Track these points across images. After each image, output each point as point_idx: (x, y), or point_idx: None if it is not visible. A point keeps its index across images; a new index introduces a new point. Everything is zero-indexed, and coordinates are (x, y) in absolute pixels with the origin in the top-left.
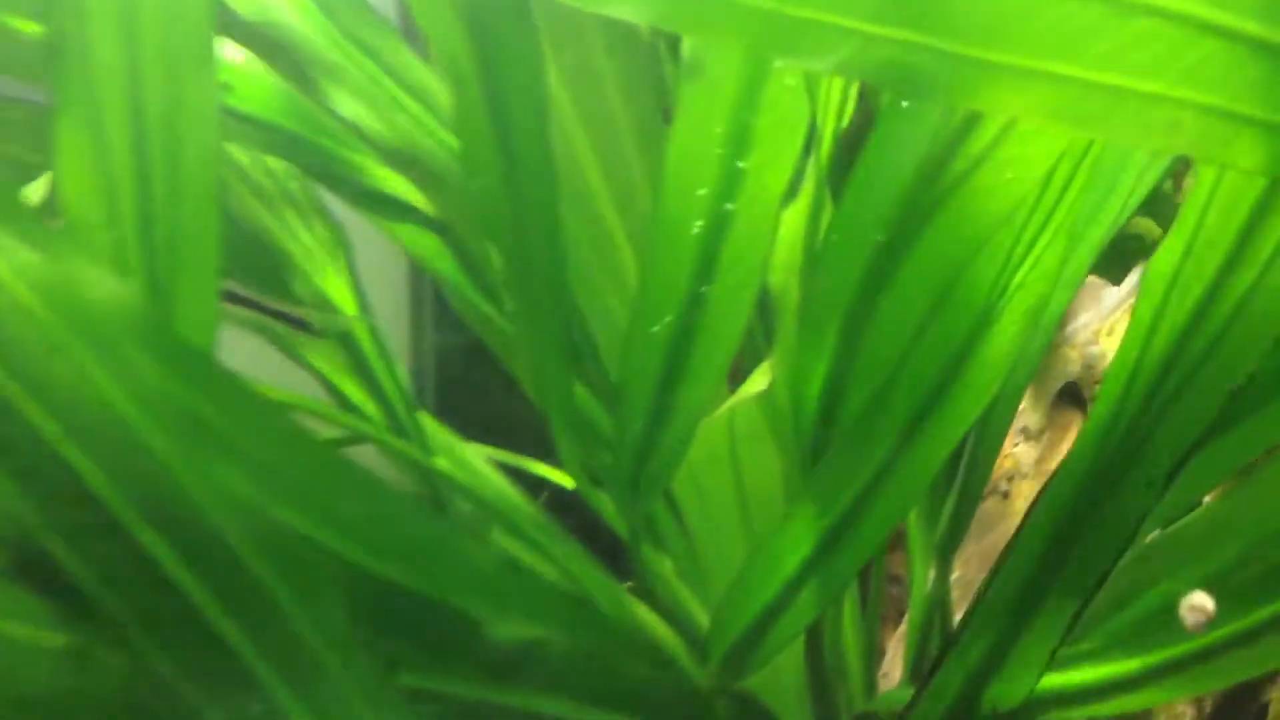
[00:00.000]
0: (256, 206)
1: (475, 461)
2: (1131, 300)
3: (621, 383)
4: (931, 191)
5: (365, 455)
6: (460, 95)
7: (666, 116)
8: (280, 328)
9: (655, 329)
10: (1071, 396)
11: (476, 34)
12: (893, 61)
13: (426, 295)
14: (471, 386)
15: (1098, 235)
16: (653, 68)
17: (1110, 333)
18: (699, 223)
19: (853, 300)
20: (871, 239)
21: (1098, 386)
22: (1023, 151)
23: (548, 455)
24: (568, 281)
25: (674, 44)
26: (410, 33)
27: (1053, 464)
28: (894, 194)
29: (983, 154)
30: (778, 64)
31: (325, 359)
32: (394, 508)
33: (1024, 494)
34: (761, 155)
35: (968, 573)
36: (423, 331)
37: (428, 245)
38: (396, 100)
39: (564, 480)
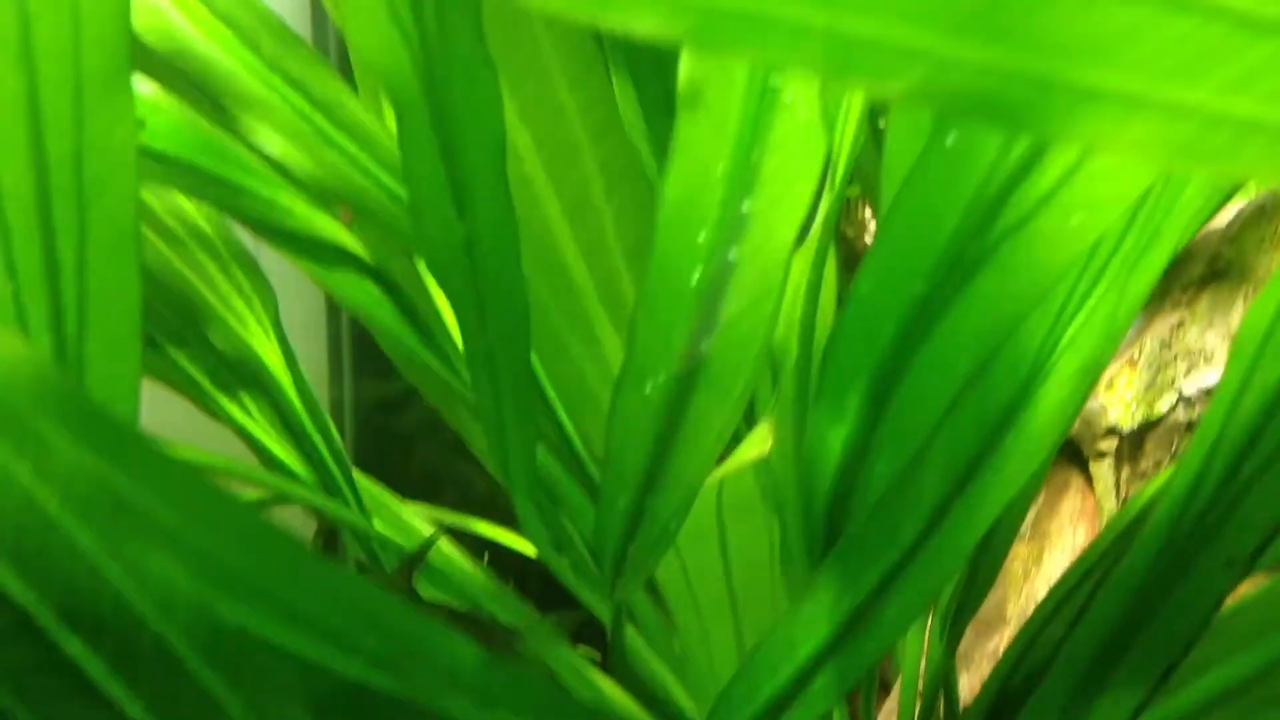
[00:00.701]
0: (165, 249)
1: (415, 523)
2: (1132, 352)
3: (608, 449)
4: (983, 238)
5: (292, 517)
6: (405, 127)
7: (634, 156)
8: (201, 381)
9: (648, 390)
10: (1071, 453)
11: (424, 59)
12: (973, 87)
13: (345, 339)
14: (395, 437)
15: (1144, 283)
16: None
17: (1110, 385)
18: (698, 272)
19: (884, 359)
20: (909, 290)
21: (1100, 443)
22: (1094, 193)
23: (482, 509)
24: (530, 339)
25: (643, 76)
26: (345, 69)
27: (1050, 525)
28: (938, 240)
29: (1047, 196)
30: (788, 96)
31: (248, 415)
32: (362, 600)
33: (1020, 556)
34: (769, 197)
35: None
36: (341, 378)
37: (363, 293)
38: (326, 136)
39: (508, 539)
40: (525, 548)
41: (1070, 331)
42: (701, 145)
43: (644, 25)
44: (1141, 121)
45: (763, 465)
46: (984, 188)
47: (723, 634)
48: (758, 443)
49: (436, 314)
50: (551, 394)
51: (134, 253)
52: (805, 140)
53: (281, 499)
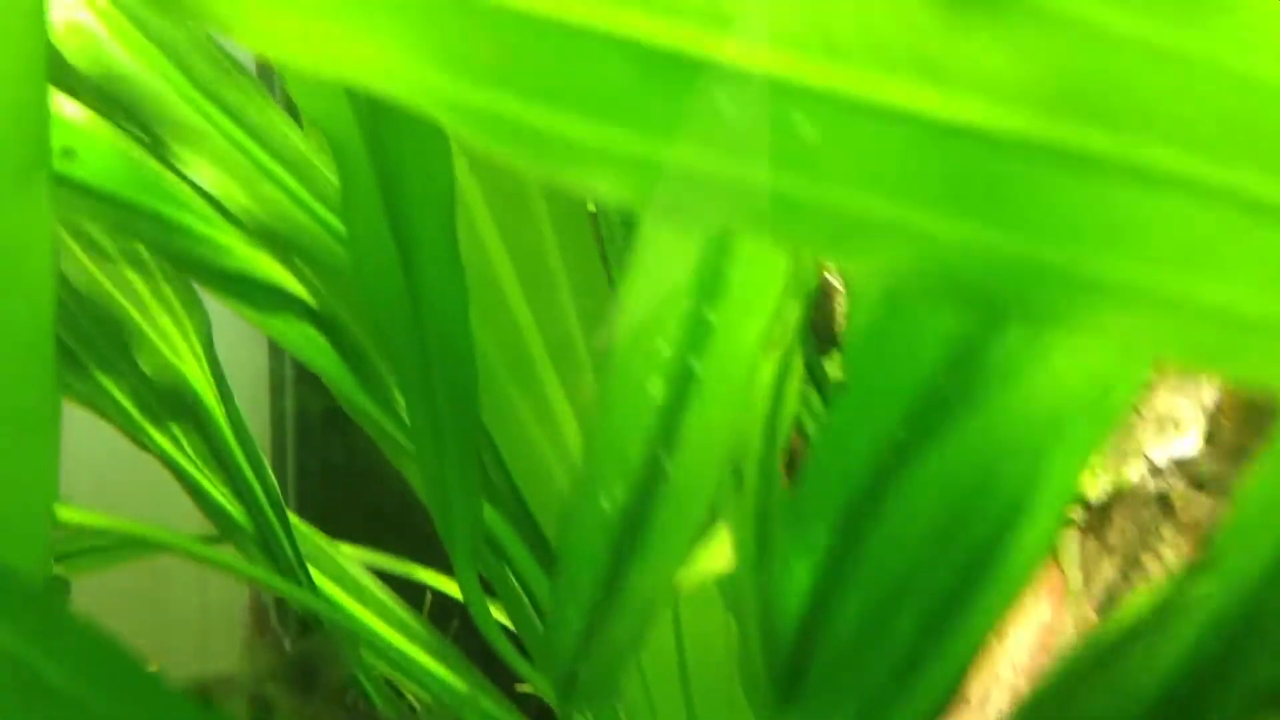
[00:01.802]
0: (89, 264)
1: (352, 570)
2: None
3: (559, 562)
4: (969, 382)
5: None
6: (347, 182)
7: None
8: (129, 409)
9: (603, 504)
10: None
11: (367, 110)
12: (958, 268)
13: (286, 363)
14: (340, 450)
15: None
16: None
17: None
18: (658, 383)
19: (858, 493)
20: (885, 429)
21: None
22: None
23: (426, 547)
24: (478, 405)
25: None
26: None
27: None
28: (917, 381)
29: (1042, 349)
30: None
31: (178, 448)
32: None
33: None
34: (734, 307)
35: None
36: (284, 387)
37: (305, 339)
38: (265, 169)
39: (448, 587)
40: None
41: (1056, 464)
42: (666, 249)
43: (601, 186)
44: (1144, 315)
45: (725, 577)
46: (974, 329)
47: None
48: (720, 553)
49: (385, 372)
50: (503, 457)
51: (50, 372)
52: (771, 251)
53: (214, 539)
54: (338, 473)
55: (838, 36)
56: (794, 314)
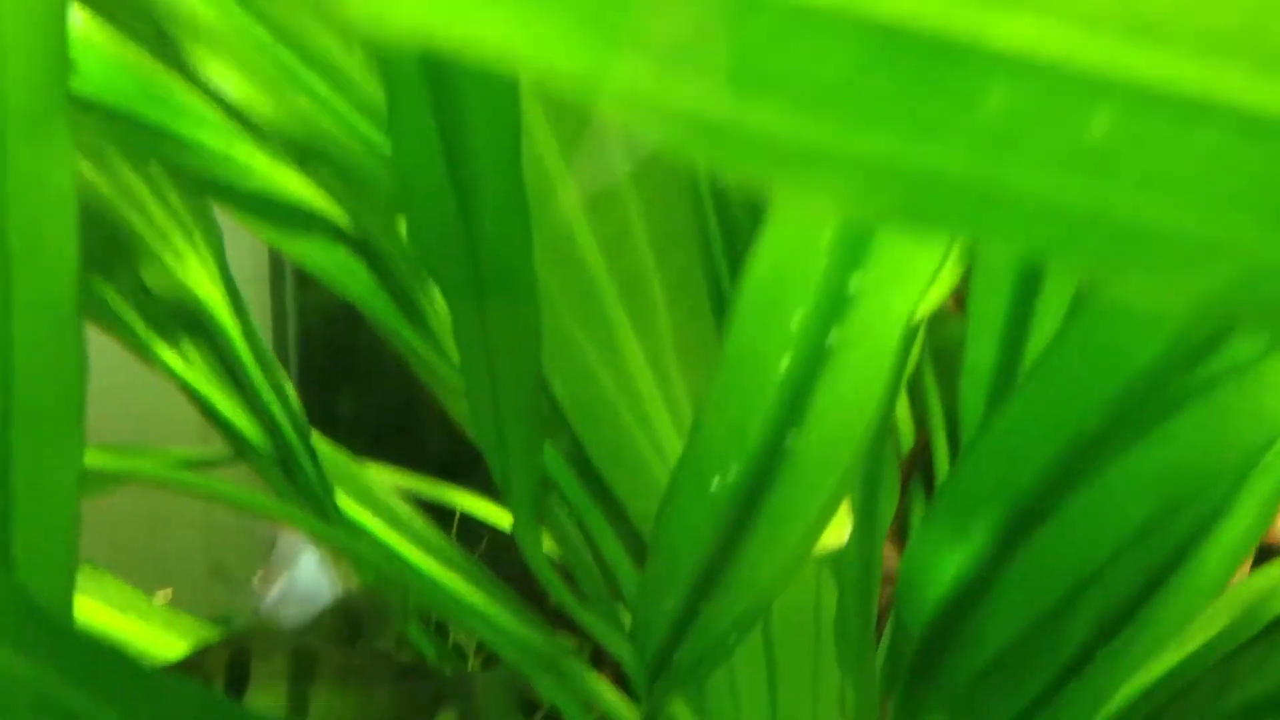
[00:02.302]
0: (89, 170)
1: (380, 492)
2: None
3: (657, 540)
4: (1192, 374)
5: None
6: (396, 96)
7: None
8: (133, 323)
9: (713, 486)
10: None
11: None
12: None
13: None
14: (346, 353)
15: None
16: None
17: None
18: (786, 357)
19: (1033, 487)
20: (1074, 423)
21: None
22: None
23: (444, 458)
24: (539, 348)
25: None
26: None
27: None
28: (1132, 366)
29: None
30: None
31: (188, 364)
32: None
33: None
34: (883, 272)
35: None
36: (283, 282)
37: (336, 265)
38: (294, 75)
39: (484, 508)
40: (503, 517)
41: (1269, 458)
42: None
43: (818, 193)
44: None
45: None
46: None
47: None
48: (839, 528)
49: (426, 288)
50: (564, 405)
51: (76, 336)
52: None
53: (230, 460)
54: (343, 379)
55: (1146, 15)
56: (949, 283)
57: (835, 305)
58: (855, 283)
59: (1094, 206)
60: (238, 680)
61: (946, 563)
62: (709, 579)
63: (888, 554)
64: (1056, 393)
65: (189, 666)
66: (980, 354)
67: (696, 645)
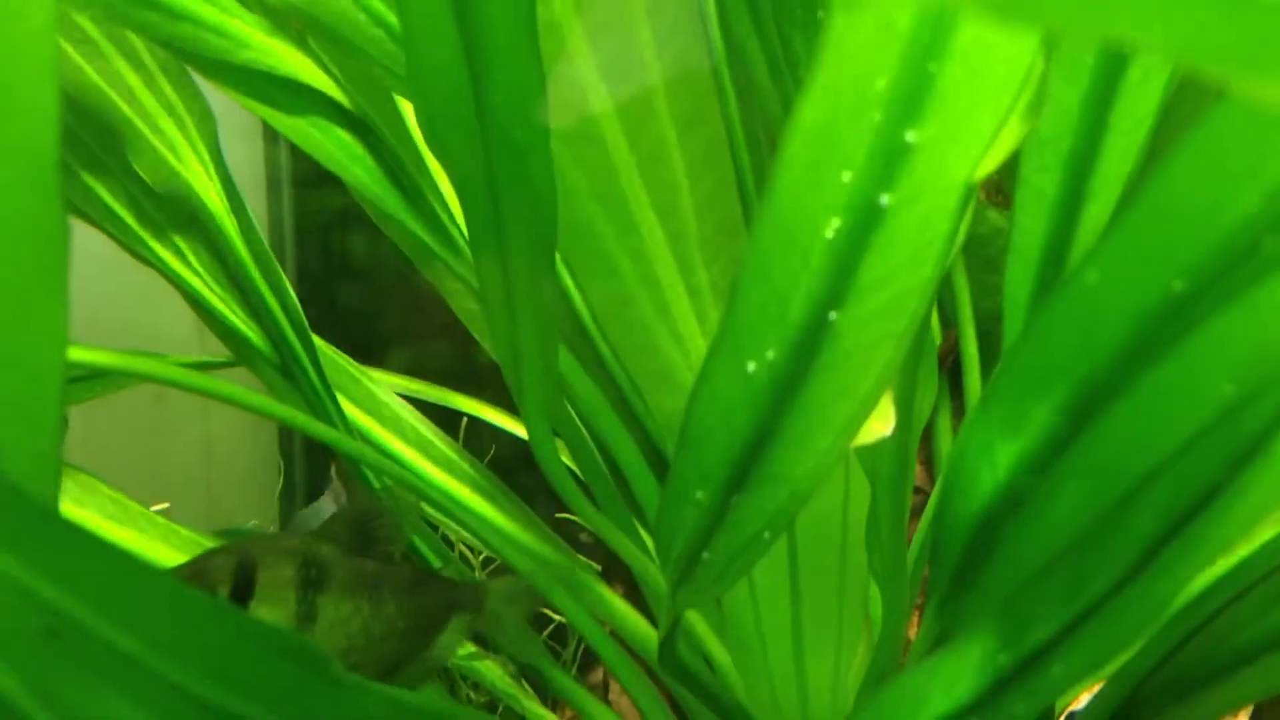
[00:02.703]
0: (74, 55)
1: (383, 396)
2: None
3: (686, 429)
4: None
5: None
6: None
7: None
8: (124, 216)
9: (750, 367)
10: None
11: None
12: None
13: (283, 157)
14: (341, 277)
15: None
16: None
17: None
18: (835, 220)
19: (1099, 367)
20: (1160, 286)
21: None
22: None
23: (446, 361)
24: (555, 242)
25: None
26: None
27: None
28: (1222, 225)
29: None
30: None
31: (183, 261)
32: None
33: None
34: (943, 124)
35: None
36: (280, 186)
37: (335, 144)
38: None
39: (490, 413)
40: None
41: None
42: (858, 51)
43: None
44: None
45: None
46: None
47: (781, 647)
48: (882, 418)
49: (431, 175)
50: (581, 294)
51: (53, 192)
52: (1004, 48)
53: (228, 363)
54: (341, 287)
55: None
56: (1013, 140)
57: (891, 160)
58: (913, 134)
59: None
60: (243, 588)
61: (1001, 452)
62: (743, 470)
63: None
64: (1138, 251)
65: (192, 574)
66: (1029, 232)
67: (728, 544)
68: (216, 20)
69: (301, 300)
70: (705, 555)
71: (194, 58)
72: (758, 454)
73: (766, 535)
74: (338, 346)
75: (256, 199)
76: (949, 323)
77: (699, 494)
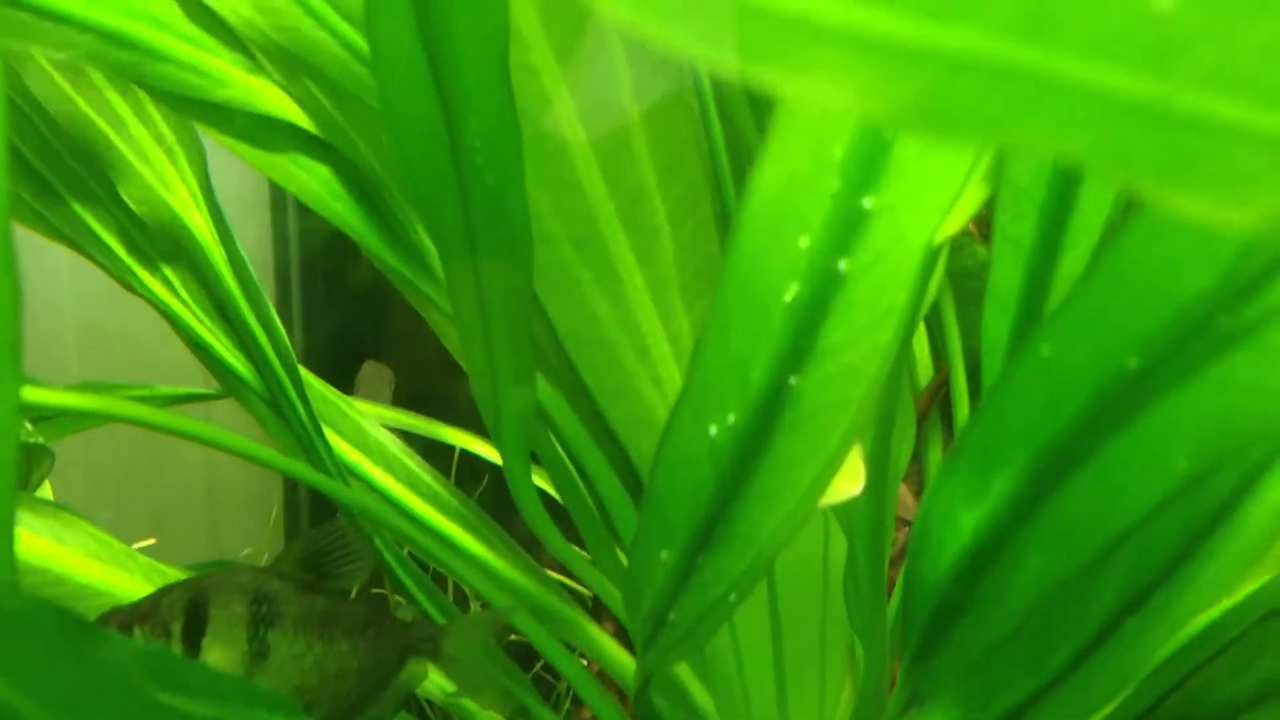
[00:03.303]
0: (64, 84)
1: (371, 430)
2: None
3: (652, 488)
4: (1240, 311)
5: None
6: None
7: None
8: (113, 246)
9: (712, 431)
10: None
11: None
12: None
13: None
14: (347, 295)
15: None
16: None
17: None
18: (794, 286)
19: (1059, 438)
20: (1114, 362)
21: None
22: None
23: (450, 394)
24: (531, 272)
25: None
26: None
27: None
28: (1173, 301)
29: None
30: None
31: (172, 292)
32: None
33: None
34: (902, 190)
35: None
36: (285, 204)
37: (317, 181)
38: None
39: (481, 447)
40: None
41: None
42: (814, 117)
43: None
44: None
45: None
46: (1253, 247)
47: (764, 697)
48: (846, 479)
49: (411, 211)
50: (560, 336)
51: (6, 260)
52: None
53: (217, 395)
54: (346, 305)
55: None
56: (975, 202)
57: (849, 226)
58: (871, 201)
59: (1156, 98)
60: (195, 624)
61: (964, 518)
62: (708, 531)
63: (903, 496)
64: (1092, 326)
65: (144, 611)
66: (1005, 279)
67: (694, 604)
68: (192, 59)
69: (306, 320)
70: (672, 616)
71: (172, 97)
72: (722, 514)
73: (732, 598)
74: (343, 366)
75: (261, 218)
76: (941, 356)
77: (664, 554)
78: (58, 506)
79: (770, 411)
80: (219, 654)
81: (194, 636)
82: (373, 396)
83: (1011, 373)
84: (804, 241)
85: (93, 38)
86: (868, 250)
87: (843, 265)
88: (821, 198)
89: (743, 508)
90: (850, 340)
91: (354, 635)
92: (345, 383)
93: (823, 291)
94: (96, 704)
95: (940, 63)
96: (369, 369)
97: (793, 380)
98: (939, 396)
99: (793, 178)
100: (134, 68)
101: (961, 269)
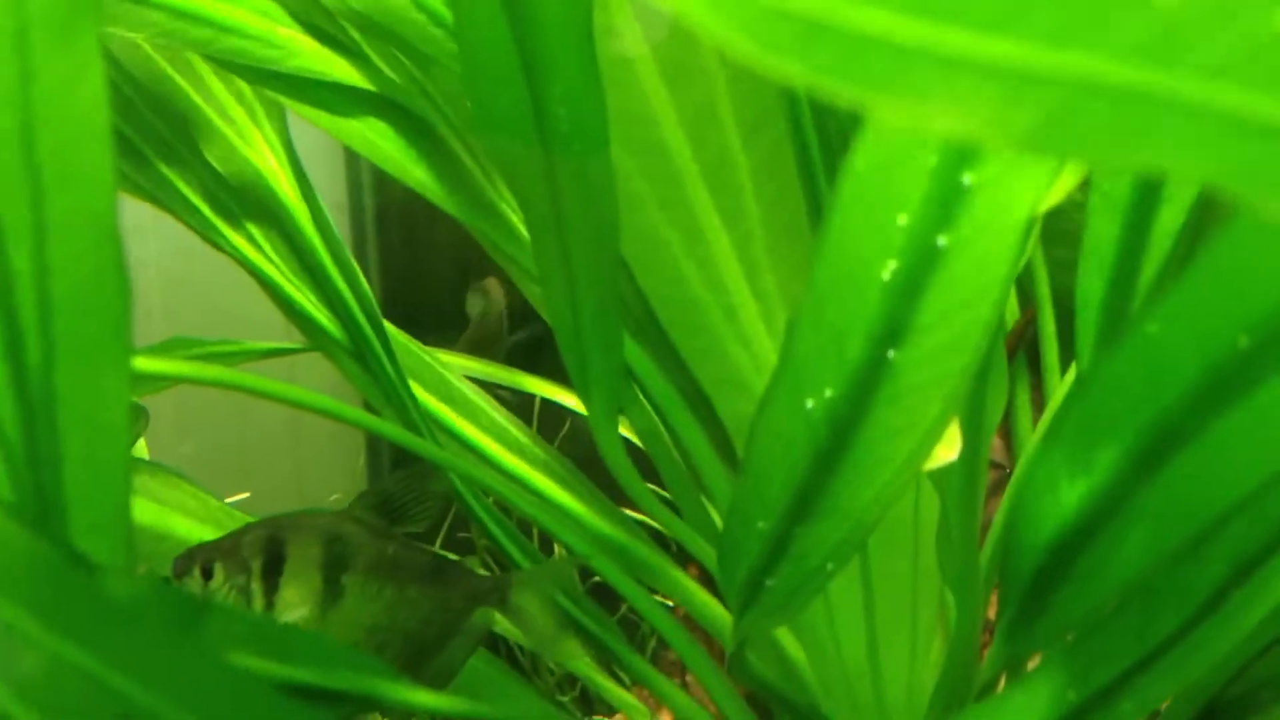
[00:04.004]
0: (146, 47)
1: (456, 382)
2: None
3: (748, 459)
4: None
5: (312, 365)
6: None
7: None
8: (199, 205)
9: (809, 405)
10: None
11: None
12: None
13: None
14: (425, 265)
15: None
16: None
17: None
18: (892, 262)
19: (1167, 414)
20: (1223, 342)
21: None
22: None
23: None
24: (618, 236)
25: None
26: None
27: None
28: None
29: None
30: None
31: (257, 249)
32: None
33: None
34: (1002, 164)
35: None
36: (361, 196)
37: (392, 147)
38: None
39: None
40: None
41: None
42: None
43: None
44: None
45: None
46: None
47: (856, 651)
48: (943, 447)
49: (493, 177)
50: (647, 298)
51: (115, 256)
52: None
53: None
54: (425, 274)
55: None
56: (1079, 169)
57: (948, 202)
58: (970, 177)
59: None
60: (273, 563)
61: (1067, 491)
62: (805, 502)
63: (994, 445)
64: (1202, 307)
65: (226, 548)
66: (1101, 235)
67: (791, 572)
68: (264, 31)
69: (385, 292)
70: (769, 583)
71: (245, 69)
72: (819, 487)
73: (830, 566)
74: (421, 323)
75: (334, 163)
76: (1028, 297)
77: (761, 524)
78: (155, 465)
79: (867, 386)
80: (294, 592)
81: (272, 575)
82: (485, 313)
83: (1116, 351)
84: (902, 219)
85: (166, 15)
86: (967, 226)
87: (942, 241)
88: (919, 175)
89: (840, 480)
90: (949, 315)
91: (422, 581)
92: (424, 329)
93: (921, 268)
94: (207, 691)
95: (1063, 87)
96: (479, 287)
97: (891, 354)
98: (1026, 336)
99: (889, 157)
100: (208, 44)
101: (1051, 210)
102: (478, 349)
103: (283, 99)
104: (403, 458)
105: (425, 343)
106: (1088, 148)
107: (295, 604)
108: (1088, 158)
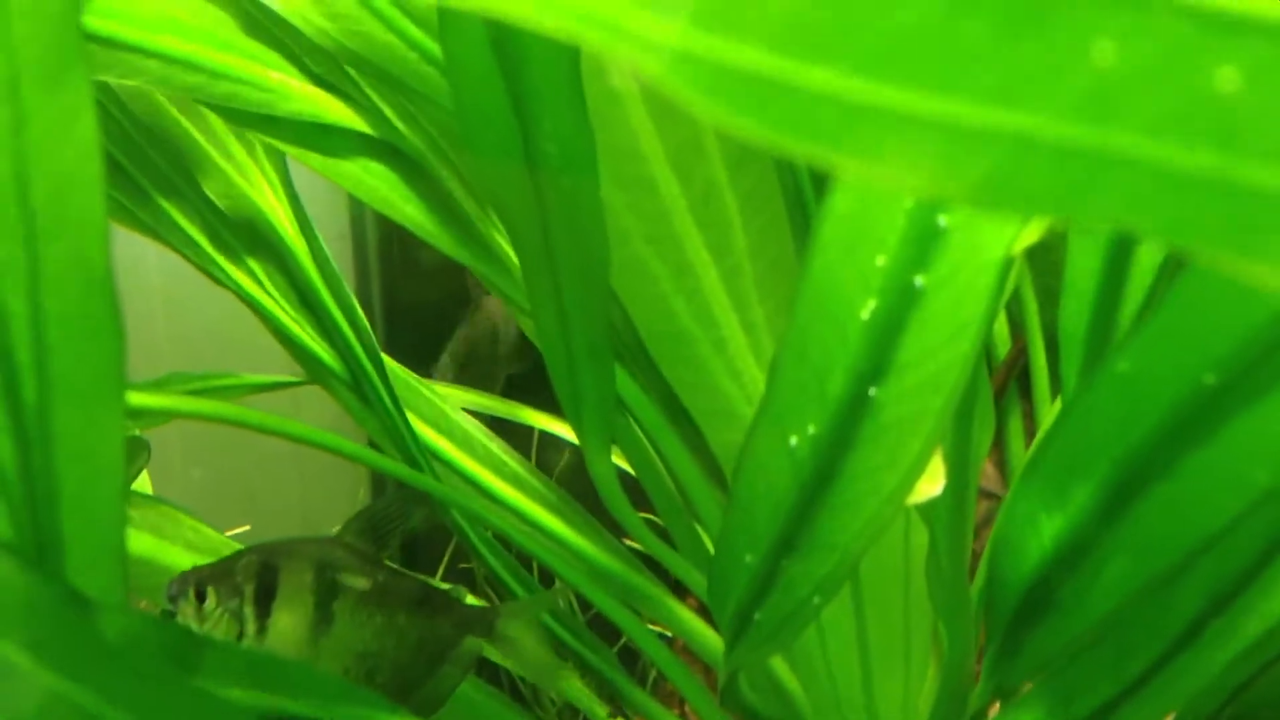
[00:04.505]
0: (151, 89)
1: (452, 413)
2: None
3: (734, 495)
4: None
5: (311, 402)
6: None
7: None
8: (199, 239)
9: (792, 442)
10: None
11: None
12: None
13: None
14: (427, 297)
15: None
16: None
17: None
18: (871, 303)
19: (1139, 450)
20: (1192, 379)
21: None
22: None
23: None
24: (608, 269)
25: None
26: None
27: None
28: (1250, 319)
29: None
30: None
31: (257, 283)
32: None
33: None
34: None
35: None
36: (363, 220)
37: (385, 186)
38: None
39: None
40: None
41: None
42: None
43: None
44: None
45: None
46: None
47: (849, 679)
48: (927, 481)
49: (490, 212)
50: (638, 330)
51: (108, 300)
52: None
53: (303, 382)
54: (429, 304)
55: None
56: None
57: (924, 243)
58: (946, 218)
59: (1218, 173)
60: (266, 589)
61: (1045, 525)
62: (791, 537)
63: (985, 471)
64: (1169, 345)
65: (220, 572)
66: (1082, 270)
67: (779, 605)
68: (255, 76)
69: (389, 326)
70: (757, 616)
71: (238, 114)
72: (804, 521)
73: (817, 599)
74: (419, 354)
75: (336, 193)
76: (1018, 326)
77: (748, 557)
78: (156, 500)
79: (850, 423)
80: (287, 618)
81: (265, 600)
82: (472, 325)
83: (1090, 388)
84: (880, 259)
85: (158, 63)
86: (944, 265)
87: (919, 281)
88: (896, 216)
89: (825, 514)
90: (929, 353)
91: (410, 609)
92: (428, 358)
93: (900, 307)
94: None
95: (1005, 144)
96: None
97: (872, 392)
98: (1016, 368)
99: (866, 199)
100: (200, 89)
101: (1039, 243)
102: (463, 367)
103: (276, 143)
104: (405, 487)
105: (429, 371)
106: (1033, 203)
107: (287, 628)
108: (1034, 212)
